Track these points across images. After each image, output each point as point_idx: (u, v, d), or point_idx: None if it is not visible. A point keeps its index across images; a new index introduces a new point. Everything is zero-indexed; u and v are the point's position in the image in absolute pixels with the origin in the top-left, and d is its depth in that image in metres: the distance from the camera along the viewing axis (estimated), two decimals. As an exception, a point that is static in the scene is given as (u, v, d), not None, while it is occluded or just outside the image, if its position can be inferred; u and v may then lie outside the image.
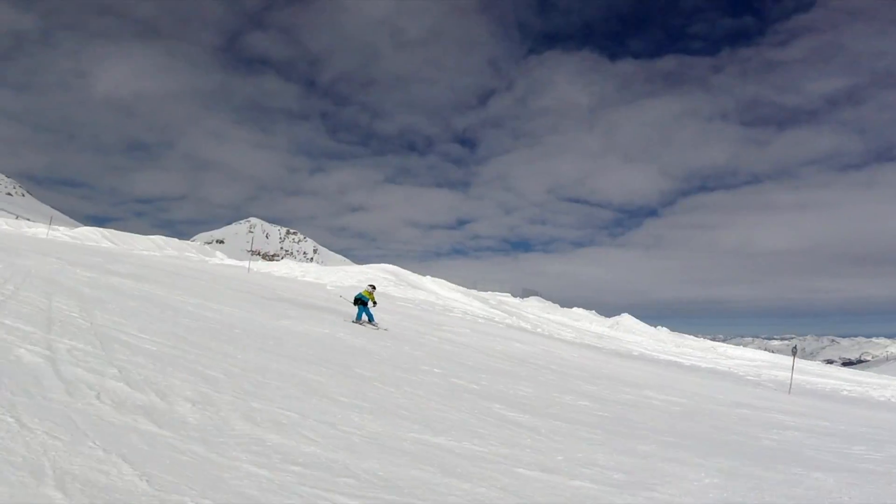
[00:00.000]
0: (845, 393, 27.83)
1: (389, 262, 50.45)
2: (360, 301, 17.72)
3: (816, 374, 35.97)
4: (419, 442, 6.29)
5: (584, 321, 50.21)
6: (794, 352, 22.64)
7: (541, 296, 66.03)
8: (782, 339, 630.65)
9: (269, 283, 27.85)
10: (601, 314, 55.51)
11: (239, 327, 12.05)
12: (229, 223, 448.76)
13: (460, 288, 47.31)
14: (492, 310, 40.06)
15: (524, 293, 65.99)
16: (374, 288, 18.95)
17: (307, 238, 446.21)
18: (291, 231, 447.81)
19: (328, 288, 32.69)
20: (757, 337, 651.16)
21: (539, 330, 36.27)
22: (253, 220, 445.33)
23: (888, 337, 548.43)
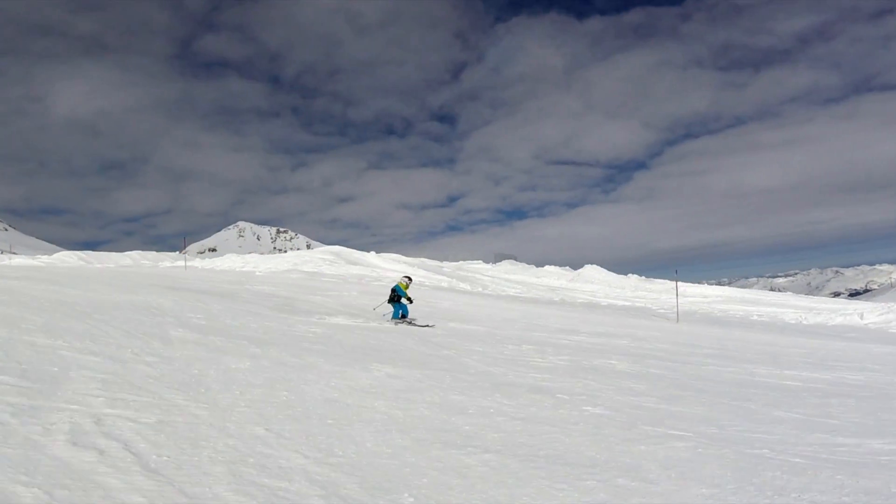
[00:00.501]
0: (755, 318, 28.40)
1: (387, 249, 51.55)
2: (397, 295, 15.44)
3: (767, 304, 36.68)
4: (17, 340, 7.19)
5: (548, 277, 51.13)
6: (675, 278, 23.20)
7: (515, 259, 67.28)
8: (786, 275, 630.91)
9: (188, 275, 28.35)
10: (576, 270, 56.50)
11: (45, 299, 12.39)
12: (219, 230, 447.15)
13: (407, 259, 47.91)
14: (434, 276, 40.58)
15: (496, 258, 67.06)
16: (409, 280, 16.51)
17: (298, 235, 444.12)
18: (282, 230, 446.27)
19: (257, 274, 33.27)
20: (762, 276, 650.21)
21: (479, 289, 36.88)
22: (242, 224, 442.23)
23: (892, 263, 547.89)
